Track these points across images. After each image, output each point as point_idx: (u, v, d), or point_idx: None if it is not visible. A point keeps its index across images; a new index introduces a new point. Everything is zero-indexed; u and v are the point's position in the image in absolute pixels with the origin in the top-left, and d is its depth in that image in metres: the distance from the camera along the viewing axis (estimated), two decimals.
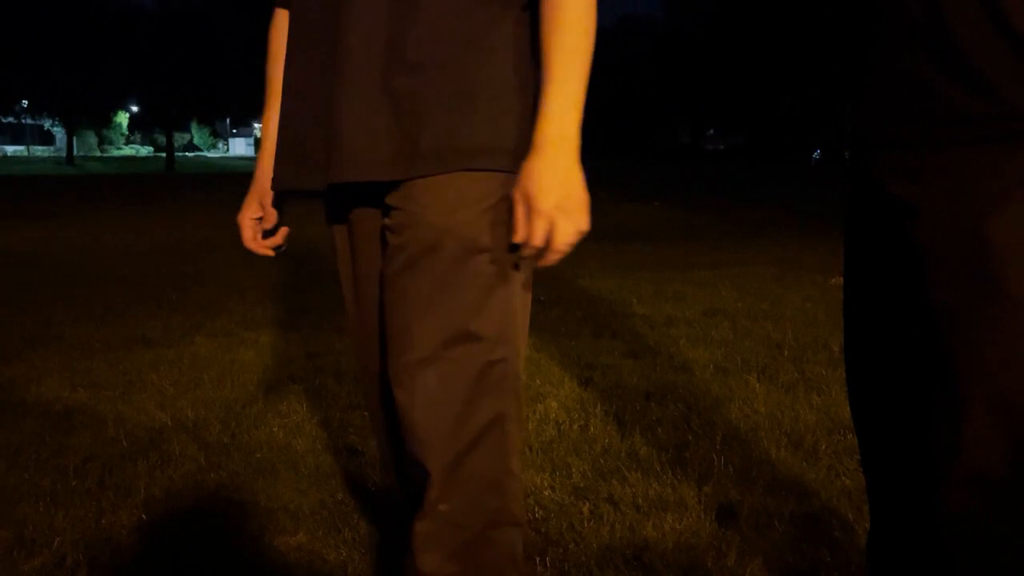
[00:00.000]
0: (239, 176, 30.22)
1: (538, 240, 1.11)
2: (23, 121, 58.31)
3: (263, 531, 1.97)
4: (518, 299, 1.19)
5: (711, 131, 57.44)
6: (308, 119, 1.17)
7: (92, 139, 64.90)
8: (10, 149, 63.91)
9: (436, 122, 1.14)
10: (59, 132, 60.34)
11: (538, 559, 1.81)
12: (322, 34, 1.15)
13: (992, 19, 1.00)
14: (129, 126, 65.42)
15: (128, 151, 69.27)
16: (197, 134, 71.84)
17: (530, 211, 1.11)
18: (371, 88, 1.12)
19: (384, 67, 1.12)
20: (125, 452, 2.48)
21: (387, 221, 1.18)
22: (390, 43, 1.13)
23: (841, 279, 1.28)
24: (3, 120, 53.38)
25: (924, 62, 1.06)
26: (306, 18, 1.19)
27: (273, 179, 1.26)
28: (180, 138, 65.91)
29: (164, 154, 49.73)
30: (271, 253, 1.39)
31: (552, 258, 1.13)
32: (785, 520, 1.98)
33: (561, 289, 5.17)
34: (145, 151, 69.17)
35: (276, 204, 1.37)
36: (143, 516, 2.04)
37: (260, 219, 1.37)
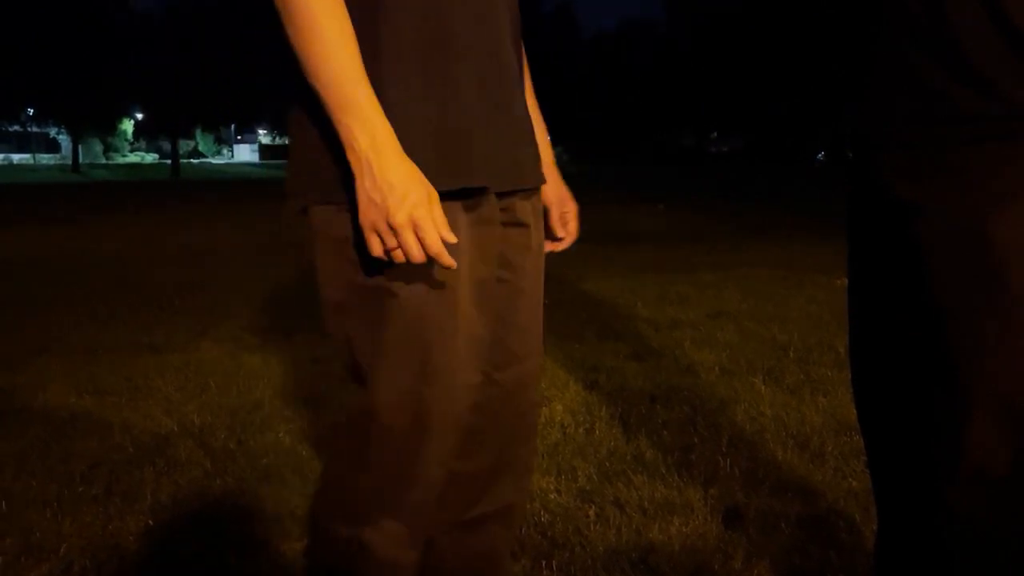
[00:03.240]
0: (244, 182, 30.30)
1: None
2: (29, 129, 58.48)
3: (269, 536, 1.97)
4: None
5: (714, 133, 57.40)
6: (498, 119, 1.15)
7: (97, 147, 65.10)
8: (16, 157, 64.13)
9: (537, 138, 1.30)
10: (64, 140, 60.56)
11: (544, 563, 1.81)
12: (476, 40, 1.13)
13: (992, 18, 1.00)
14: (134, 133, 65.62)
15: (133, 158, 69.45)
16: (202, 141, 71.97)
17: (568, 215, 1.39)
18: (522, 98, 1.24)
19: (519, 83, 1.23)
20: (131, 458, 2.48)
21: (521, 226, 1.23)
22: (516, 59, 1.22)
23: (846, 280, 1.28)
24: (9, 128, 53.53)
25: (925, 61, 1.06)
26: (457, 20, 1.11)
27: (484, 174, 1.12)
28: (185, 145, 66.10)
29: (169, 161, 49.88)
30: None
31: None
32: (792, 522, 1.97)
33: (565, 292, 5.17)
34: (150, 158, 69.34)
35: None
36: (150, 522, 2.04)
37: None
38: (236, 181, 31.49)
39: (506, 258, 1.22)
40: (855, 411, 1.31)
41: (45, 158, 64.42)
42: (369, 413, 1.11)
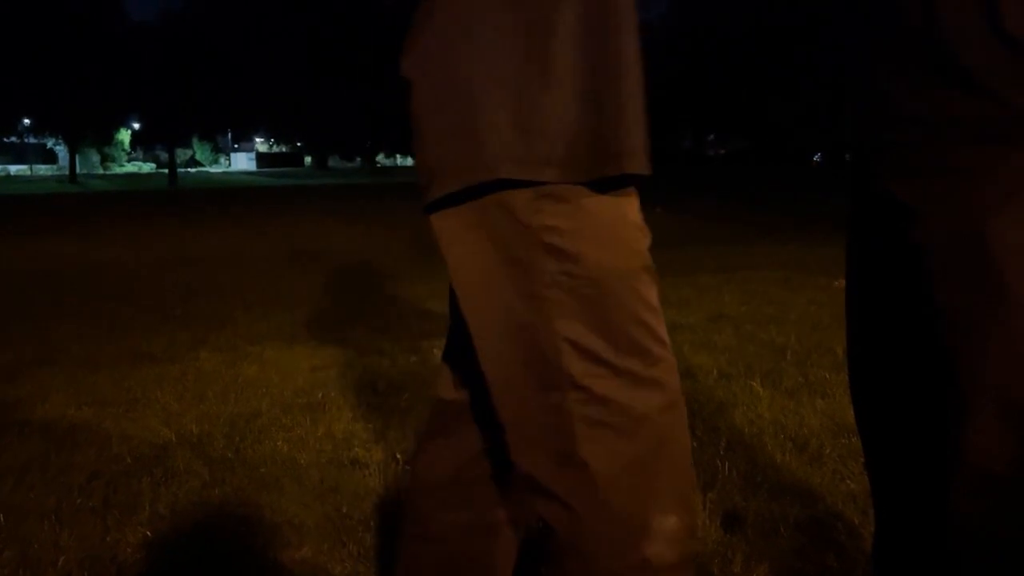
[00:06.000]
0: (241, 191, 30.31)
1: None
2: (26, 140, 58.60)
3: (268, 545, 1.97)
4: None
5: (712, 136, 57.47)
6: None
7: (95, 157, 65.20)
8: (13, 168, 64.20)
9: None
10: (61, 151, 60.66)
11: (544, 568, 1.80)
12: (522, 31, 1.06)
13: (988, 20, 1.00)
14: (131, 143, 65.65)
15: (131, 168, 69.57)
16: (199, 150, 71.96)
17: None
18: None
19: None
20: (130, 469, 2.48)
21: None
22: None
23: (844, 282, 1.28)
24: (6, 140, 53.62)
25: (921, 64, 1.06)
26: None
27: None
28: (182, 154, 66.08)
29: (166, 170, 49.90)
30: None
31: None
32: (791, 525, 1.97)
33: None
34: (148, 168, 69.46)
35: None
36: (148, 533, 2.04)
37: None
38: (233, 190, 31.50)
39: None
40: (853, 413, 1.31)
41: (42, 169, 64.53)
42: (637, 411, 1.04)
